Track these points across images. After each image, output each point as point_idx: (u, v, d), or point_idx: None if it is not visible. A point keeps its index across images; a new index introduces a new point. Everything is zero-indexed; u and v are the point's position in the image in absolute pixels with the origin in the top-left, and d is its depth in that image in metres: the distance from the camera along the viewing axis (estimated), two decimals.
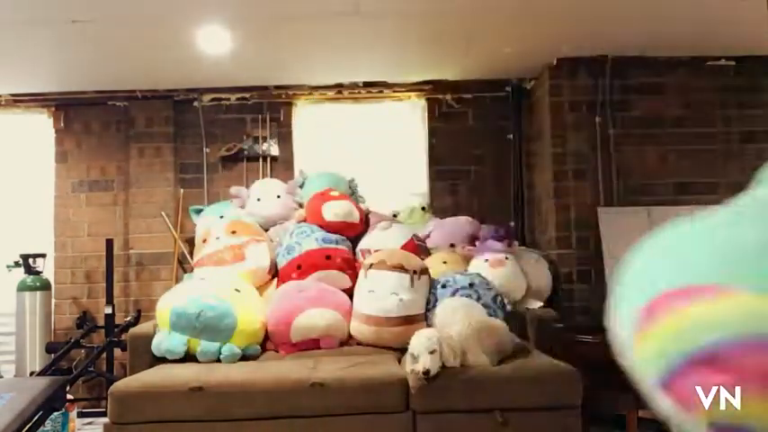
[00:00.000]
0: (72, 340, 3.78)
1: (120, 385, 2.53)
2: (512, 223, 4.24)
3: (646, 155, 3.85)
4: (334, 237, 3.39)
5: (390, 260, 3.02)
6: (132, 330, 3.10)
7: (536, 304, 3.42)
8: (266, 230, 3.62)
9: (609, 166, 3.82)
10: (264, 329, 3.05)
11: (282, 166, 4.29)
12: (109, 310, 3.88)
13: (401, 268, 2.98)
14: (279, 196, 3.87)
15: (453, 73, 4.17)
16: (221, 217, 3.72)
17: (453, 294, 2.98)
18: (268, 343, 3.04)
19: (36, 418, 2.31)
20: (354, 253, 3.45)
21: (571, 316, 3.63)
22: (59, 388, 2.46)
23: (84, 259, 4.20)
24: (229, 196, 4.00)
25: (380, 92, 4.31)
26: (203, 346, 2.91)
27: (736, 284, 0.46)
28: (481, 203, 4.28)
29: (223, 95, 4.27)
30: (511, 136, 4.29)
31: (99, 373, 3.85)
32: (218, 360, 2.93)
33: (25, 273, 3.92)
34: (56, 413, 2.88)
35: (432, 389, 2.45)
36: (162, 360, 2.93)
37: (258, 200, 3.84)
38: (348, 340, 3.05)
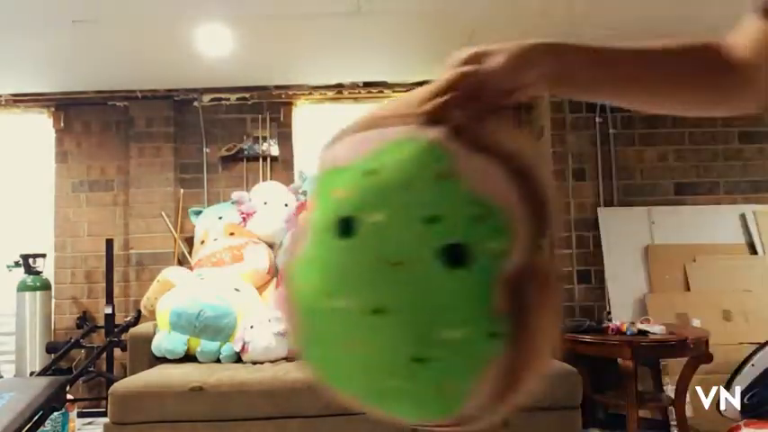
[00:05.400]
0: (72, 340, 3.78)
1: (120, 385, 2.54)
2: None
3: (646, 155, 3.85)
4: None
5: None
6: (132, 330, 3.11)
7: None
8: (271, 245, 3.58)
9: (609, 166, 3.82)
10: None
11: (282, 167, 4.29)
12: (109, 310, 3.88)
13: None
14: (286, 204, 3.74)
15: None
16: (220, 218, 3.72)
17: None
18: None
19: (36, 418, 2.31)
20: None
21: (571, 316, 3.63)
22: (59, 388, 2.46)
23: (84, 259, 4.20)
24: (230, 197, 3.98)
25: (381, 92, 4.30)
26: (203, 345, 2.92)
27: None
28: None
29: (223, 95, 4.27)
30: None
31: (99, 373, 3.85)
32: (218, 360, 2.94)
33: (25, 273, 3.91)
34: (56, 413, 2.88)
35: None
36: (162, 360, 2.94)
37: (265, 203, 3.76)
38: None
